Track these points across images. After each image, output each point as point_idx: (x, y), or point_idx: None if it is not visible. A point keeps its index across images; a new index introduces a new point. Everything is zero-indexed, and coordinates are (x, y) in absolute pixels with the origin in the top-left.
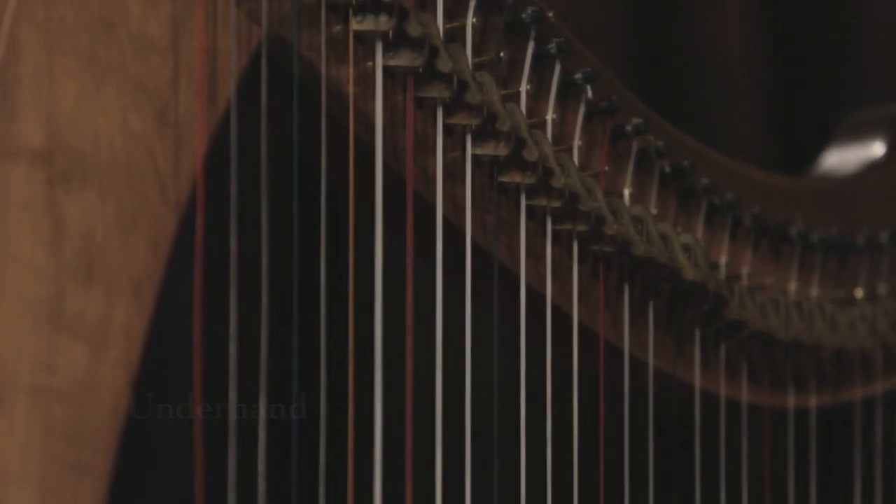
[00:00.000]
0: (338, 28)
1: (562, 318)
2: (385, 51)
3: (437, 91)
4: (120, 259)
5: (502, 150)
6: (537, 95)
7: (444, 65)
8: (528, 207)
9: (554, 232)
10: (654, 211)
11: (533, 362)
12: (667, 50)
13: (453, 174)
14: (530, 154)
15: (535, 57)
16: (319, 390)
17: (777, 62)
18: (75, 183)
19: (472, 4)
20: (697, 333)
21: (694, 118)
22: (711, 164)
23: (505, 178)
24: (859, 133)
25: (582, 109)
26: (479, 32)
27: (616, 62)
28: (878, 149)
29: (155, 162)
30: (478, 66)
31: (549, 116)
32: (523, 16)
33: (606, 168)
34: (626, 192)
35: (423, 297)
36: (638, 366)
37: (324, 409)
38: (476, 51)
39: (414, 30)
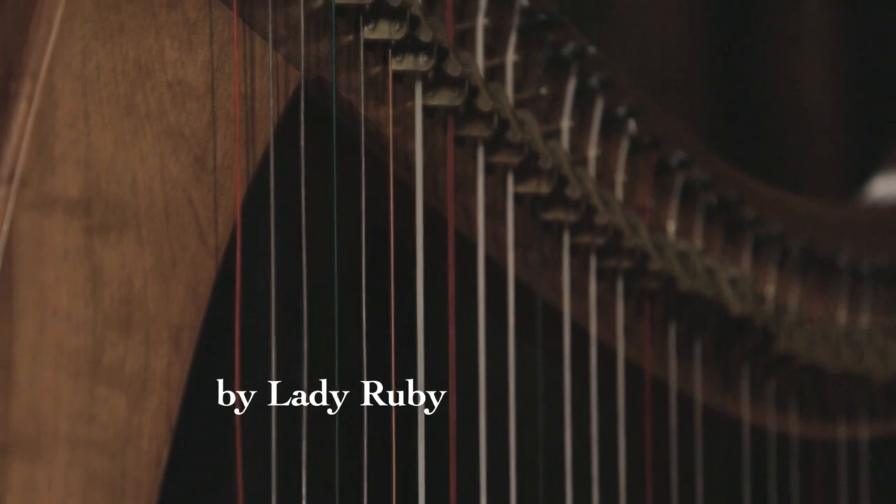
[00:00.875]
0: (377, 69)
1: (607, 354)
2: (425, 91)
3: (477, 130)
4: (159, 307)
5: (544, 188)
6: (580, 130)
7: (484, 104)
8: (572, 244)
9: (598, 269)
10: (699, 244)
11: (578, 399)
12: (747, 89)
13: (495, 212)
14: (573, 192)
15: (578, 92)
16: (362, 438)
17: (858, 102)
18: (113, 231)
19: (511, 42)
20: (746, 367)
21: (773, 157)
22: (757, 196)
23: (548, 216)
24: None
25: (625, 144)
26: (520, 69)
27: (696, 102)
28: None
29: (194, 208)
30: (519, 103)
31: (592, 152)
32: (564, 51)
33: (651, 202)
34: (672, 225)
35: (467, 336)
36: (685, 401)
37: (365, 459)
38: (517, 87)
39: (454, 69)
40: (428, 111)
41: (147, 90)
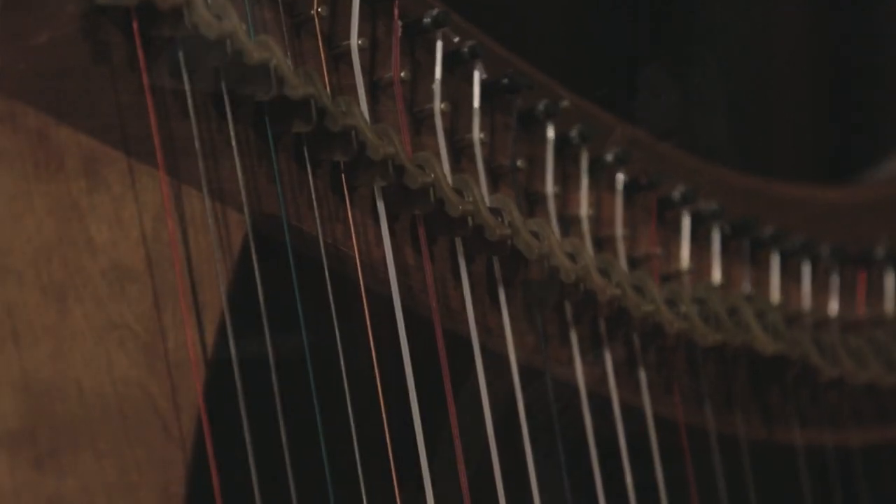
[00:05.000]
0: (326, 189)
1: (634, 413)
2: (387, 201)
3: (451, 233)
4: None
5: (535, 276)
6: (566, 185)
7: (454, 211)
8: (575, 318)
9: (610, 335)
10: (718, 278)
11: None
12: None
13: (484, 303)
14: (567, 276)
15: (557, 148)
16: None
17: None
18: (67, 454)
19: (476, 119)
20: (792, 398)
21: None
22: (776, 202)
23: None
24: None
25: (620, 192)
26: (489, 136)
27: None
28: None
29: (152, 400)
30: (496, 175)
31: (585, 211)
32: (536, 112)
33: (658, 248)
34: (684, 268)
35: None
36: (727, 441)
37: None
38: (490, 159)
39: (412, 181)
40: (394, 219)
41: (79, 288)
